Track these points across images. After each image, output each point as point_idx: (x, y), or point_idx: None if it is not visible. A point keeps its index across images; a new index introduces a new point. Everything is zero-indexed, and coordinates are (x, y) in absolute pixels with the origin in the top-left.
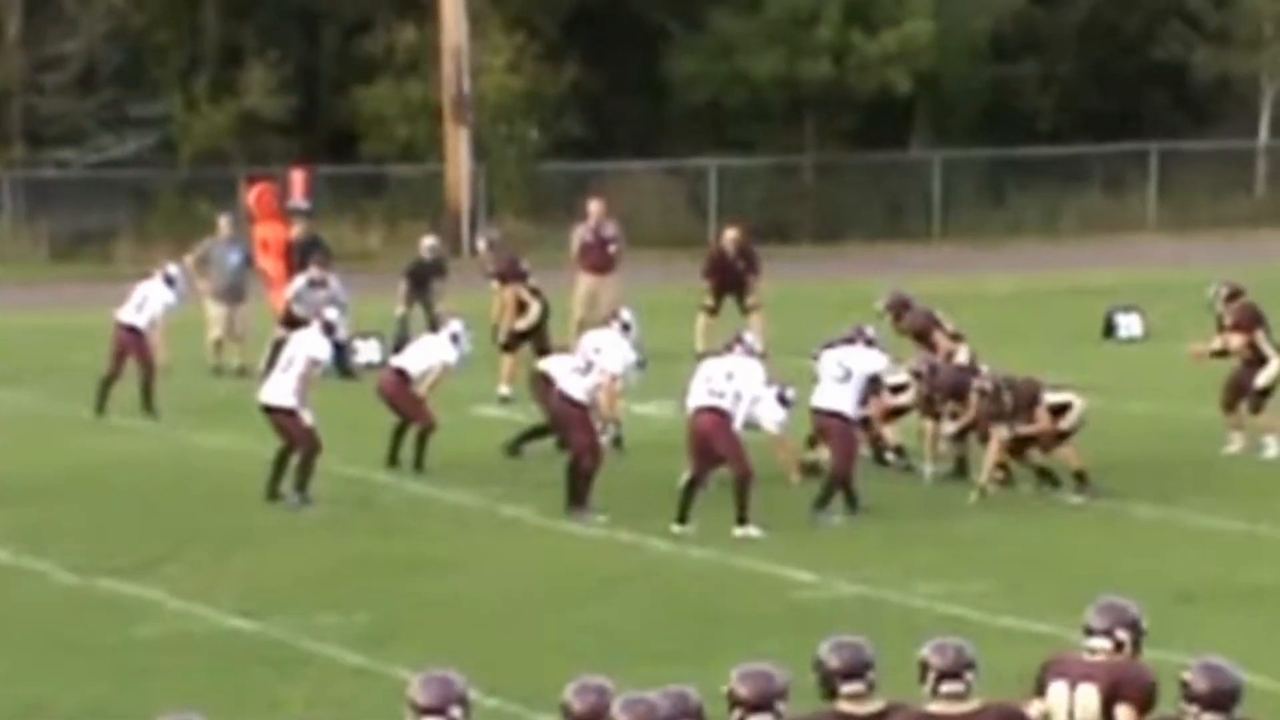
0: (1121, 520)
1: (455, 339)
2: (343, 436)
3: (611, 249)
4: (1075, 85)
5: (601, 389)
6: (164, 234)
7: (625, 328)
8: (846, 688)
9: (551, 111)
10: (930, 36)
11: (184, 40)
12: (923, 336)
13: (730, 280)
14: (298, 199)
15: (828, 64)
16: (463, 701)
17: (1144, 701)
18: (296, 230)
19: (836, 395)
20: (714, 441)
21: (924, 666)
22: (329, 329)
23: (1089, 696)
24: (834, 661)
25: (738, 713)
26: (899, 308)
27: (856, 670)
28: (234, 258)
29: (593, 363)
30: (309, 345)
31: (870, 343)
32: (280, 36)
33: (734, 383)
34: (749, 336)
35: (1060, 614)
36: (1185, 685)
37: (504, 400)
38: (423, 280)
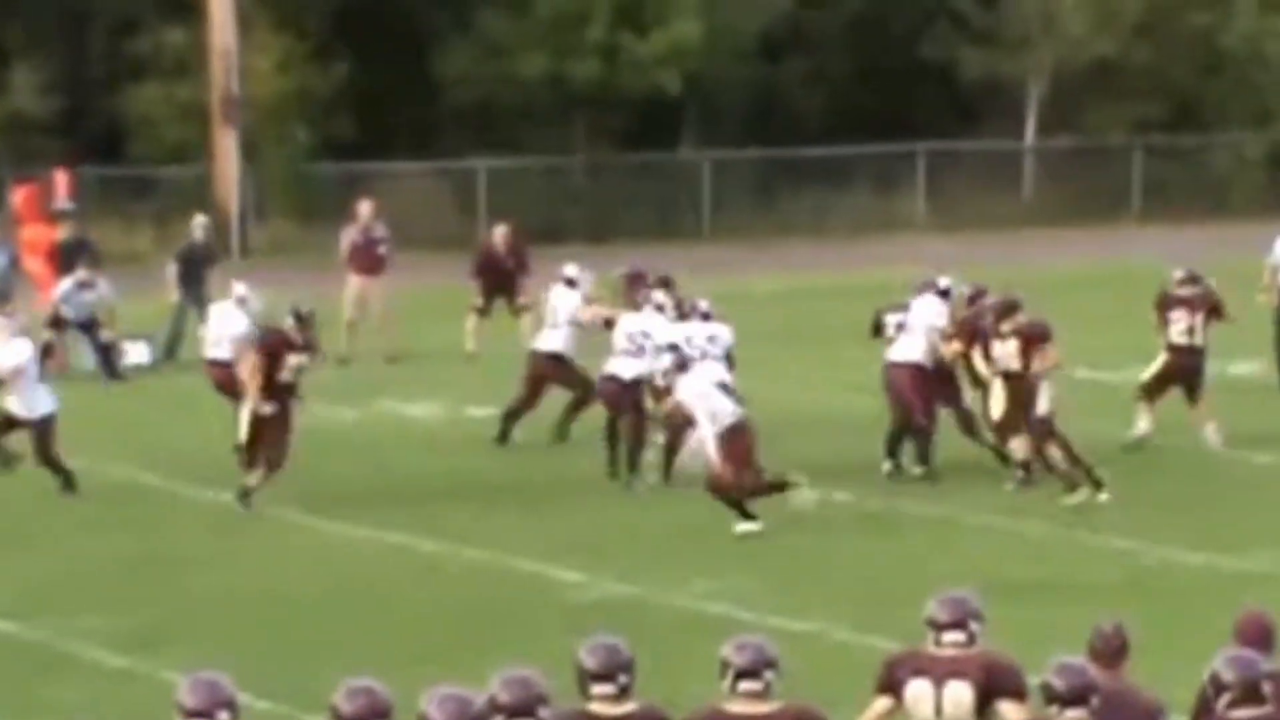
0: (890, 519)
1: (242, 302)
2: (109, 438)
3: (381, 250)
4: (844, 85)
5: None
6: None
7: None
8: (597, 689)
9: (321, 112)
10: (699, 37)
11: None
12: None
13: (500, 280)
14: (62, 200)
15: (597, 65)
16: (230, 705)
17: (1024, 694)
18: (63, 232)
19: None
20: None
21: (724, 664)
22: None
23: (961, 693)
24: (589, 662)
25: (499, 718)
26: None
27: (609, 672)
28: (0, 260)
29: (644, 347)
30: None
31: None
32: (46, 37)
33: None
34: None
35: (829, 613)
36: (1046, 687)
37: None
38: (194, 266)
